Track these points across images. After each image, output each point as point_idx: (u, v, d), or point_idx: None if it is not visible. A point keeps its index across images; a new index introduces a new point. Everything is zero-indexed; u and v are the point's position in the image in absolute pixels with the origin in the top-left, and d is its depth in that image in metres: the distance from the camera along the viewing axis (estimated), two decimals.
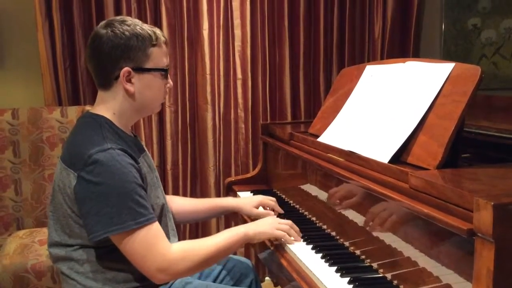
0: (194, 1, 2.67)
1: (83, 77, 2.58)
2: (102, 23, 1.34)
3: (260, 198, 1.78)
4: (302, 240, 1.51)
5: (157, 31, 1.37)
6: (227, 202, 1.79)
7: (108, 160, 1.22)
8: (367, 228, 1.35)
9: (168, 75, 1.41)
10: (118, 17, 1.36)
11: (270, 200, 1.78)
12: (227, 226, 2.81)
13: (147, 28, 1.34)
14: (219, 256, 1.38)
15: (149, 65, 1.34)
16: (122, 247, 1.24)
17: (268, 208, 1.75)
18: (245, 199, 1.80)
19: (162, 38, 1.37)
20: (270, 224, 1.48)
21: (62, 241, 1.31)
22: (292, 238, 1.50)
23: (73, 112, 2.44)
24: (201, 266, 1.35)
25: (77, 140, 1.30)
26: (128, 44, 1.30)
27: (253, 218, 1.73)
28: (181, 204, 1.69)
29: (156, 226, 1.28)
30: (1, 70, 2.62)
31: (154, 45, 1.34)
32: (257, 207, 1.74)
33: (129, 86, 1.33)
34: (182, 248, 1.31)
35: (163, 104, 2.63)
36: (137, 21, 1.36)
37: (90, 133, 1.29)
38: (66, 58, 2.55)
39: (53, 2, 2.47)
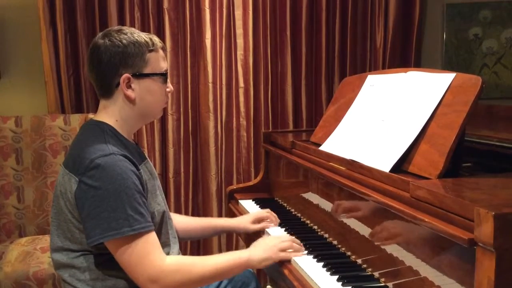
0: (197, 10, 2.69)
1: (86, 85, 2.60)
2: (100, 34, 1.37)
3: (255, 213, 1.80)
4: (305, 251, 1.51)
5: (154, 37, 1.39)
6: (223, 222, 1.80)
7: (109, 165, 1.23)
8: (369, 237, 1.35)
9: (168, 80, 1.43)
10: (115, 27, 1.39)
11: (265, 212, 1.79)
12: (229, 238, 2.81)
13: (143, 35, 1.37)
14: (216, 277, 1.36)
15: (147, 70, 1.36)
16: (116, 253, 1.24)
17: (265, 219, 1.77)
18: (240, 218, 1.80)
19: (159, 44, 1.39)
20: (273, 247, 1.43)
21: (65, 246, 1.31)
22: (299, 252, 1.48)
23: (76, 120, 2.45)
24: (195, 284, 1.31)
25: (79, 145, 1.31)
26: (125, 51, 1.32)
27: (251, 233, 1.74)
28: (175, 221, 1.65)
29: (152, 236, 1.27)
30: (5, 78, 2.64)
31: (151, 51, 1.36)
32: (254, 223, 1.75)
33: (129, 92, 1.34)
34: (178, 262, 1.30)
35: (165, 112, 2.67)
36: (133, 29, 1.38)
37: (92, 139, 1.30)
38: (69, 66, 2.57)
39: (57, 11, 2.49)
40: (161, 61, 1.39)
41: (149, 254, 1.24)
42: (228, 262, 1.35)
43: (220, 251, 2.76)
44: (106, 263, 1.30)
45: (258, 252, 1.41)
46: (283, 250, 1.44)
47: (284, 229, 1.73)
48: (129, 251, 1.23)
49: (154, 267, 1.24)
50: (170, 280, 1.26)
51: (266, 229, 1.74)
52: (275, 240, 1.47)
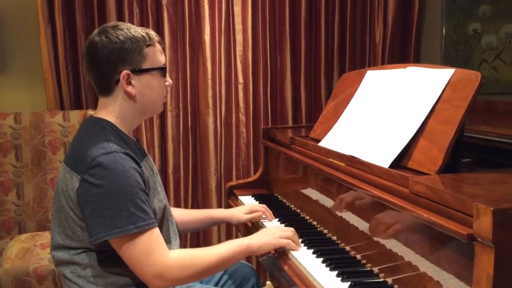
0: (196, 6, 2.68)
1: (85, 82, 2.59)
2: (95, 31, 1.36)
3: (251, 205, 1.81)
4: (303, 245, 1.52)
5: (150, 31, 1.39)
6: (218, 213, 1.80)
7: (112, 163, 1.23)
8: (368, 233, 1.35)
9: (167, 73, 1.43)
10: (111, 23, 1.38)
11: (260, 206, 1.80)
12: (228, 232, 2.81)
13: (139, 30, 1.36)
14: (219, 267, 1.37)
15: (146, 65, 1.35)
16: (120, 251, 1.25)
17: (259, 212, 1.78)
18: (235, 209, 1.82)
19: (156, 38, 1.39)
20: (273, 234, 1.46)
21: (65, 244, 1.31)
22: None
23: (75, 117, 2.45)
24: (199, 275, 1.34)
25: (81, 143, 1.31)
26: (123, 47, 1.31)
27: (245, 223, 1.75)
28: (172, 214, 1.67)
29: (156, 232, 1.28)
30: (4, 75, 2.63)
31: (148, 45, 1.35)
32: (248, 214, 1.76)
33: (130, 89, 1.34)
34: (181, 256, 1.31)
35: (164, 108, 2.67)
36: (129, 25, 1.37)
37: (94, 136, 1.30)
38: (68, 62, 2.56)
39: (56, 7, 2.48)
40: (159, 55, 1.39)
41: (153, 251, 1.25)
42: (229, 250, 1.36)
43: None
44: (107, 260, 1.30)
45: (257, 237, 1.44)
46: (283, 238, 1.46)
47: (283, 225, 1.74)
48: (134, 248, 1.23)
49: (158, 263, 1.25)
50: (175, 274, 1.27)
51: (264, 223, 1.75)
52: (276, 228, 1.51)
